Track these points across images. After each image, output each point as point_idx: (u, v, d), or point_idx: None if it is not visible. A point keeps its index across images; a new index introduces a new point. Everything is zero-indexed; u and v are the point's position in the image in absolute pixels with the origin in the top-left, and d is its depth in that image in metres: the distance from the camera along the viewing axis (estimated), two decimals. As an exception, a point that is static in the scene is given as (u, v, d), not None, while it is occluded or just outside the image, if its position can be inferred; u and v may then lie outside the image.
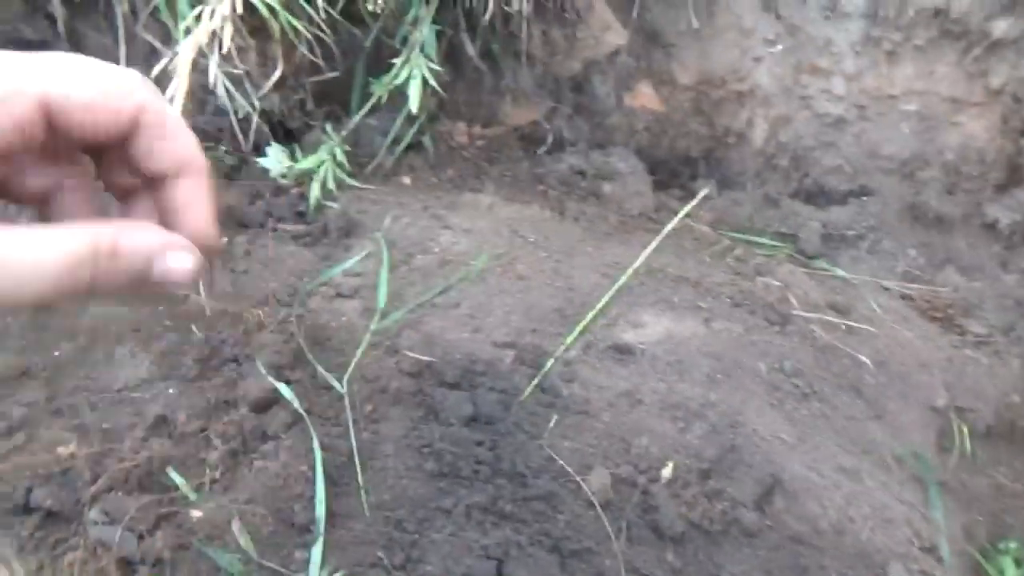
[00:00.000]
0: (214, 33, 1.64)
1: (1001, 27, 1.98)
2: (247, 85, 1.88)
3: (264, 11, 1.72)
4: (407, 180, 2.11)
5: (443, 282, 1.68)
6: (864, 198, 2.35)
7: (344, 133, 2.02)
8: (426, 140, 2.21)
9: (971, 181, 2.21)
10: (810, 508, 1.38)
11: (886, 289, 2.15)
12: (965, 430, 1.79)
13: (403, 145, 2.16)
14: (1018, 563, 1.51)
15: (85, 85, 0.43)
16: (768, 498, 1.39)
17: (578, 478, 1.35)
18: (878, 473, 1.55)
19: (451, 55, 2.19)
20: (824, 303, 1.94)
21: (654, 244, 1.75)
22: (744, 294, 1.85)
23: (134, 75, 0.46)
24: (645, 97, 2.35)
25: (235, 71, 1.82)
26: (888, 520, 1.43)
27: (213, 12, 1.67)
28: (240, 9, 1.70)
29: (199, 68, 1.71)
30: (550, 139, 2.40)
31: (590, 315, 1.62)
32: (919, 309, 2.12)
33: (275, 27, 1.77)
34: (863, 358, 1.78)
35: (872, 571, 1.32)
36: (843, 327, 1.88)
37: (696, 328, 1.68)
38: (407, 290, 1.67)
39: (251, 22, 1.80)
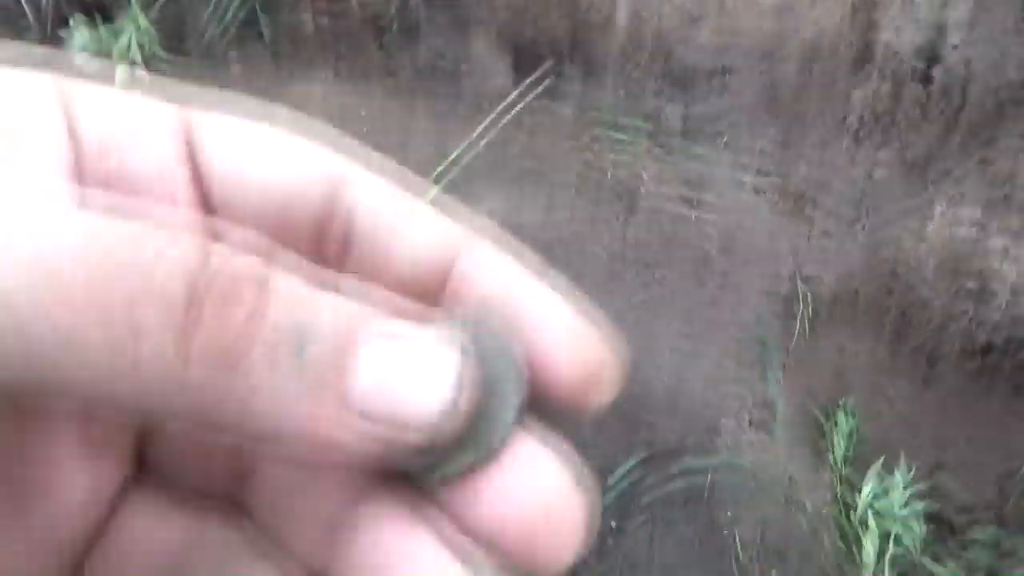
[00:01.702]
0: None
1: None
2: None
3: None
4: (236, 67, 1.95)
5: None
6: (725, 80, 2.33)
7: (159, 7, 1.84)
8: (262, 23, 2.04)
9: (826, 63, 2.22)
10: (644, 374, 1.35)
11: (740, 177, 2.15)
12: (809, 298, 1.81)
13: (233, 27, 1.99)
14: (853, 416, 1.53)
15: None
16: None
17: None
18: (718, 344, 1.55)
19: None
20: (675, 190, 1.91)
21: (486, 122, 1.66)
22: (592, 180, 1.80)
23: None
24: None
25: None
26: (722, 382, 1.42)
27: None
28: None
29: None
30: (402, 24, 2.27)
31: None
32: (771, 198, 2.13)
33: None
34: (710, 241, 1.77)
35: (704, 428, 1.31)
36: (693, 215, 1.86)
37: (534, 214, 1.62)
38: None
39: None
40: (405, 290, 0.23)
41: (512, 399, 0.22)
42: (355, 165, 0.23)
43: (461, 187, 1.63)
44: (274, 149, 0.22)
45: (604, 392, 0.23)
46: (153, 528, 0.22)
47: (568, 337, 0.23)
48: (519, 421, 0.22)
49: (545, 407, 0.23)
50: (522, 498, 0.21)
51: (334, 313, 0.19)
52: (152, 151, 0.21)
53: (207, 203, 0.22)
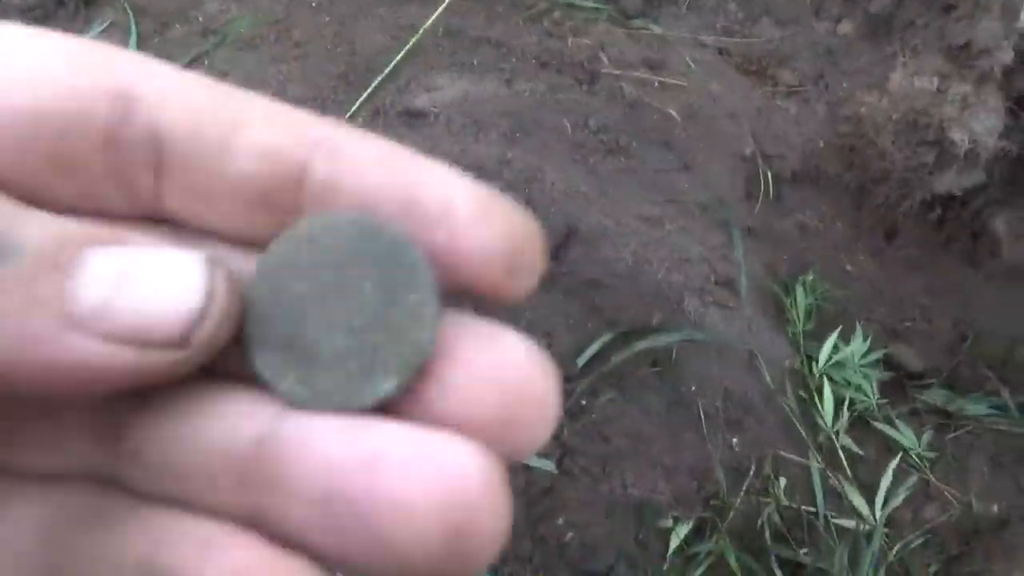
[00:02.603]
0: None
1: None
2: None
3: None
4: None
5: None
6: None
7: None
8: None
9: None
10: (606, 253, 1.37)
11: (703, 45, 2.09)
12: (771, 176, 1.81)
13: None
14: (812, 291, 1.57)
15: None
16: (563, 248, 1.36)
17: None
18: (681, 220, 1.55)
19: None
20: (637, 61, 1.86)
21: (443, 6, 1.59)
22: (552, 54, 1.74)
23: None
24: None
25: None
26: (685, 260, 1.44)
27: None
28: None
29: None
30: None
31: (377, 79, 1.48)
32: (734, 63, 2.08)
33: None
34: (672, 112, 1.74)
35: (667, 306, 1.33)
36: (655, 83, 1.82)
37: (496, 89, 1.58)
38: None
39: None
40: (250, 205, 0.20)
41: (425, 300, 0.20)
42: (149, 77, 0.20)
43: (420, 70, 1.58)
44: (45, 59, 0.19)
45: (526, 275, 0.20)
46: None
47: (471, 221, 0.20)
48: (437, 319, 0.20)
49: (470, 297, 0.21)
50: (483, 384, 0.19)
51: (43, 227, 0.17)
52: None
53: None
